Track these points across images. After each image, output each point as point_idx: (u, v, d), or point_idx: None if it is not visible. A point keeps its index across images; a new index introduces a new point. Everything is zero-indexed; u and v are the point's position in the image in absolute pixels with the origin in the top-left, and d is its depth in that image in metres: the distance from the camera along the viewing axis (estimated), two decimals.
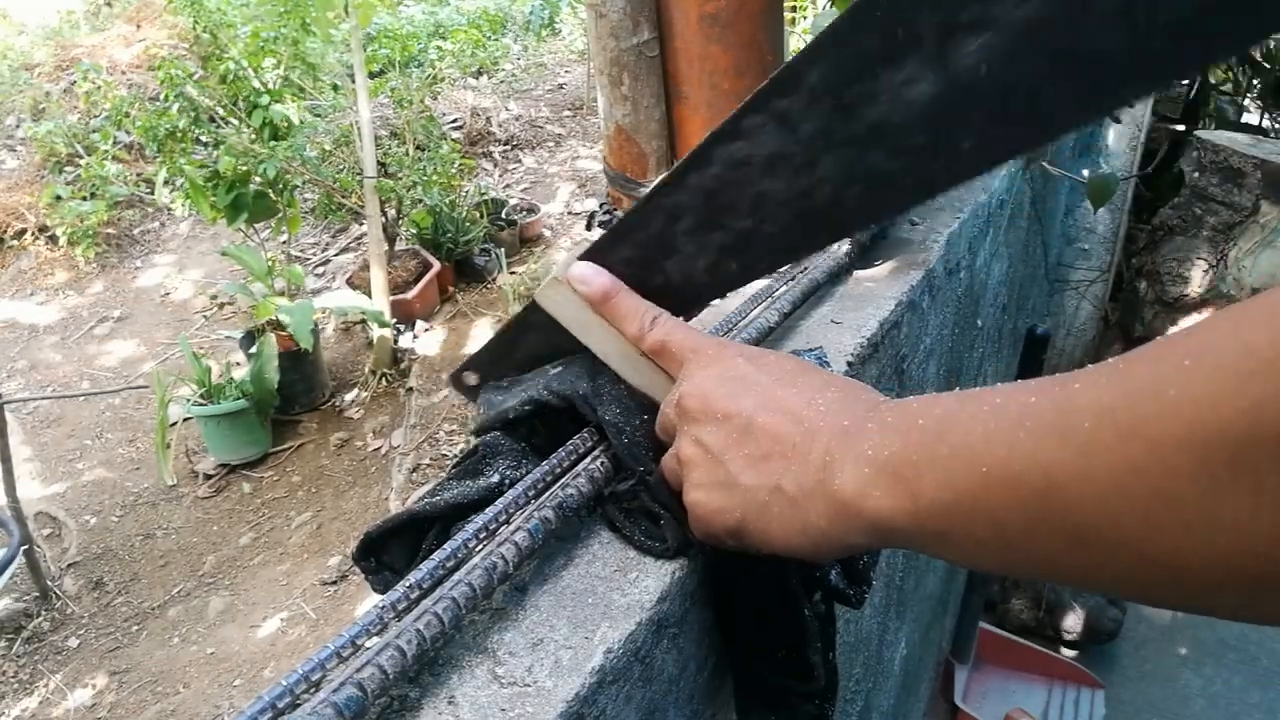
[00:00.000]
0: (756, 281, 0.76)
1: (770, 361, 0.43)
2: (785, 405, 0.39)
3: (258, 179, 3.14)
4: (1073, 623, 2.36)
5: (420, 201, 3.82)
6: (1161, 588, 0.27)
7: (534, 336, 0.53)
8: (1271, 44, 2.76)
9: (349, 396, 3.53)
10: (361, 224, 4.16)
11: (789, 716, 0.48)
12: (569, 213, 4.81)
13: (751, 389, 0.41)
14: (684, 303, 0.51)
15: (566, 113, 5.85)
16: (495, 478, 0.46)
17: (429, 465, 3.14)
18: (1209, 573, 0.24)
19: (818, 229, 0.47)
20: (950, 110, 0.39)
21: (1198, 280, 2.35)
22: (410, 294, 3.78)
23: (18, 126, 5.01)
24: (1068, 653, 2.35)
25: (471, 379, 0.55)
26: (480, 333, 3.84)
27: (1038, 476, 0.28)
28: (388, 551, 0.45)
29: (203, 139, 3.28)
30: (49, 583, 2.71)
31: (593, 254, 0.50)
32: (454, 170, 4.00)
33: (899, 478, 0.33)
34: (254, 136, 3.21)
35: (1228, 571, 0.24)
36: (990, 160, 0.42)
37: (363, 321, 3.74)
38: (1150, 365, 0.26)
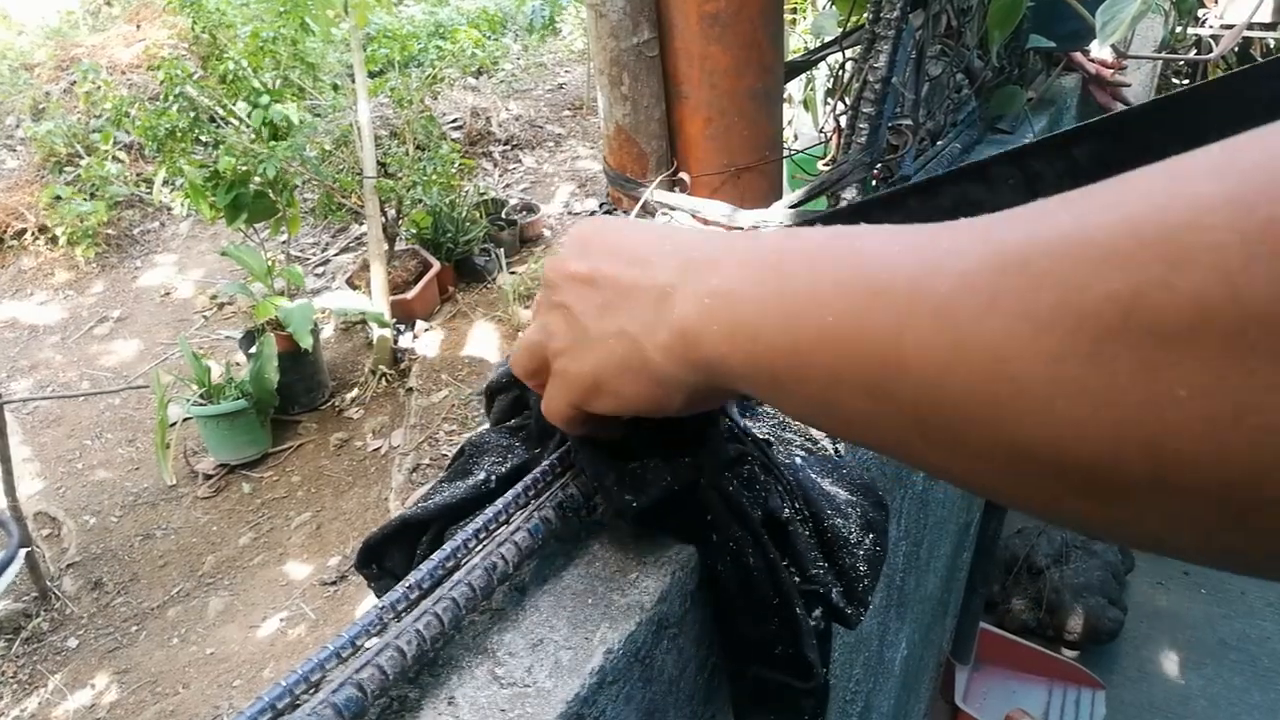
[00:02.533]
0: None
1: (627, 222, 0.41)
2: (632, 251, 0.36)
3: (257, 179, 3.14)
4: (1073, 623, 2.36)
5: (420, 201, 3.82)
6: (1006, 480, 0.24)
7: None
8: (1272, 43, 2.76)
9: (349, 396, 3.53)
10: (361, 224, 4.16)
11: (793, 711, 0.48)
12: (569, 212, 4.82)
13: (597, 243, 0.38)
14: None
15: (566, 113, 5.86)
16: (481, 475, 0.46)
17: (429, 465, 3.14)
18: (1041, 461, 0.22)
19: None
20: None
21: None
22: (410, 294, 3.78)
23: (18, 126, 5.02)
24: (1068, 653, 2.36)
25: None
26: (480, 333, 3.84)
27: (885, 340, 0.25)
28: (388, 558, 0.45)
29: (203, 139, 3.28)
30: (48, 583, 2.71)
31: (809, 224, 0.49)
32: (454, 170, 4.00)
33: (738, 313, 0.30)
34: (254, 136, 3.21)
35: (1054, 464, 0.21)
36: None
37: (363, 321, 3.74)
38: (1023, 229, 0.23)
